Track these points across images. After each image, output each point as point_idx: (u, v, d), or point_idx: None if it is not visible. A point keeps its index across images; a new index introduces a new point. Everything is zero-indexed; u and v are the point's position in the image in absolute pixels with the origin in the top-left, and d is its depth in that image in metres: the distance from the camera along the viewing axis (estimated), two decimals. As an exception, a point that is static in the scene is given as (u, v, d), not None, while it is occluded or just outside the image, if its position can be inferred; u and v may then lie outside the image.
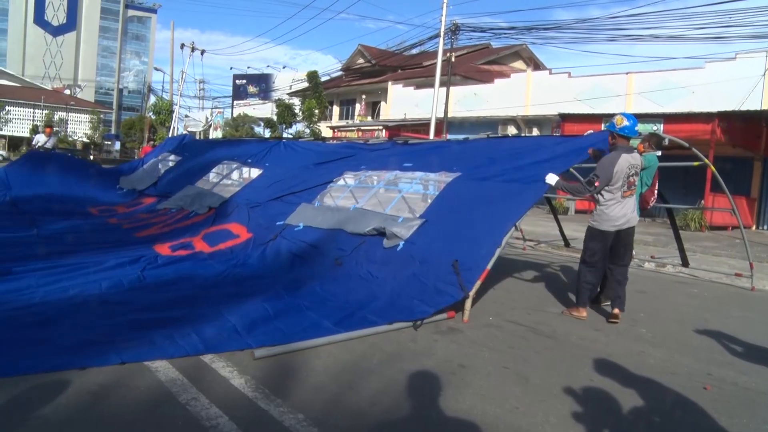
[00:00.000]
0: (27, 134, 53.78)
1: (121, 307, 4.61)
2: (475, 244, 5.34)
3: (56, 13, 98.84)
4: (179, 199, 9.69)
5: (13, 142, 56.53)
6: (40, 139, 13.45)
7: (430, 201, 6.83)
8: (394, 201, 7.55)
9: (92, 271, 5.49)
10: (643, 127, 6.87)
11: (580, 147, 6.20)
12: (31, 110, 60.53)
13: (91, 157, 42.02)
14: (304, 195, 7.83)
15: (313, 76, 37.67)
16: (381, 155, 8.52)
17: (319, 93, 37.11)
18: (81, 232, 8.01)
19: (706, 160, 7.89)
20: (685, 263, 8.69)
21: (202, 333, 4.03)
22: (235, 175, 10.98)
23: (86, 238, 7.51)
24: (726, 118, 17.98)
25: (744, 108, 18.74)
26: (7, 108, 58.57)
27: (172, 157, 13.05)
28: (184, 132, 47.22)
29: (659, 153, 6.54)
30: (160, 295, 5.02)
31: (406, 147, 8.66)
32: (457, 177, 6.68)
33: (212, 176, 11.04)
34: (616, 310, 5.51)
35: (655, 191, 6.50)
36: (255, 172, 10.05)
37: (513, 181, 6.09)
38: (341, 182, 8.13)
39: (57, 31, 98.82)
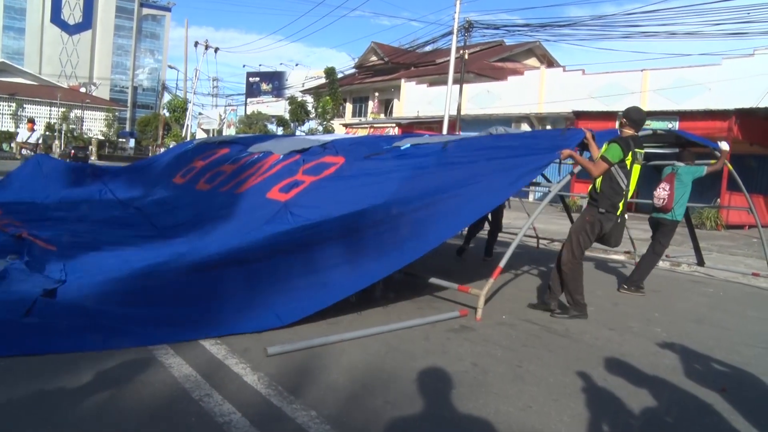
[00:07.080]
0: (42, 132, 54.28)
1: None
2: None
3: (72, 12, 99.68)
4: (267, 145, 9.10)
5: None
6: (23, 135, 13.33)
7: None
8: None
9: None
10: (658, 125, 6.82)
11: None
12: (48, 108, 61.11)
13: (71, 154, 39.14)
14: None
15: (330, 73, 37.76)
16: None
17: (335, 89, 37.18)
18: (179, 206, 8.12)
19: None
20: (700, 262, 8.60)
21: None
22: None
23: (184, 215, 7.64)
24: (743, 115, 17.76)
25: (762, 105, 18.49)
26: (24, 106, 59.17)
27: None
28: (198, 128, 47.48)
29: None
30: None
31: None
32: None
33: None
34: None
35: None
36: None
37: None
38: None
39: (73, 29, 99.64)
